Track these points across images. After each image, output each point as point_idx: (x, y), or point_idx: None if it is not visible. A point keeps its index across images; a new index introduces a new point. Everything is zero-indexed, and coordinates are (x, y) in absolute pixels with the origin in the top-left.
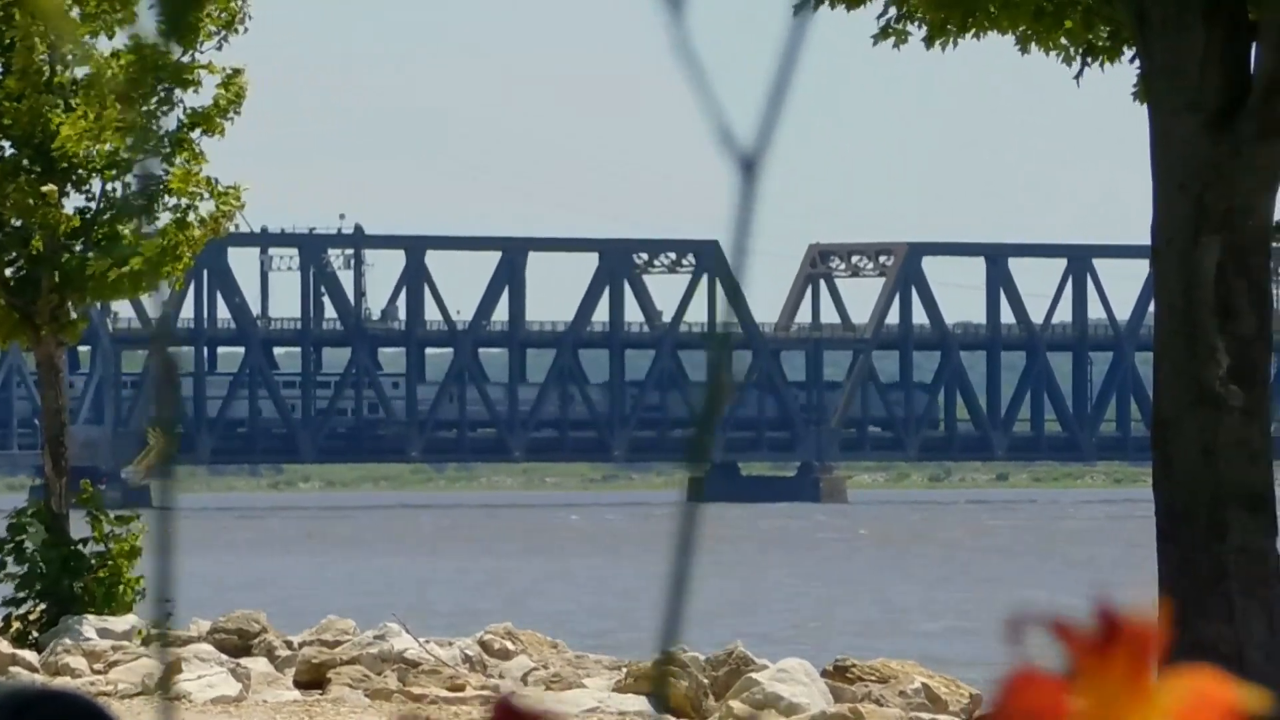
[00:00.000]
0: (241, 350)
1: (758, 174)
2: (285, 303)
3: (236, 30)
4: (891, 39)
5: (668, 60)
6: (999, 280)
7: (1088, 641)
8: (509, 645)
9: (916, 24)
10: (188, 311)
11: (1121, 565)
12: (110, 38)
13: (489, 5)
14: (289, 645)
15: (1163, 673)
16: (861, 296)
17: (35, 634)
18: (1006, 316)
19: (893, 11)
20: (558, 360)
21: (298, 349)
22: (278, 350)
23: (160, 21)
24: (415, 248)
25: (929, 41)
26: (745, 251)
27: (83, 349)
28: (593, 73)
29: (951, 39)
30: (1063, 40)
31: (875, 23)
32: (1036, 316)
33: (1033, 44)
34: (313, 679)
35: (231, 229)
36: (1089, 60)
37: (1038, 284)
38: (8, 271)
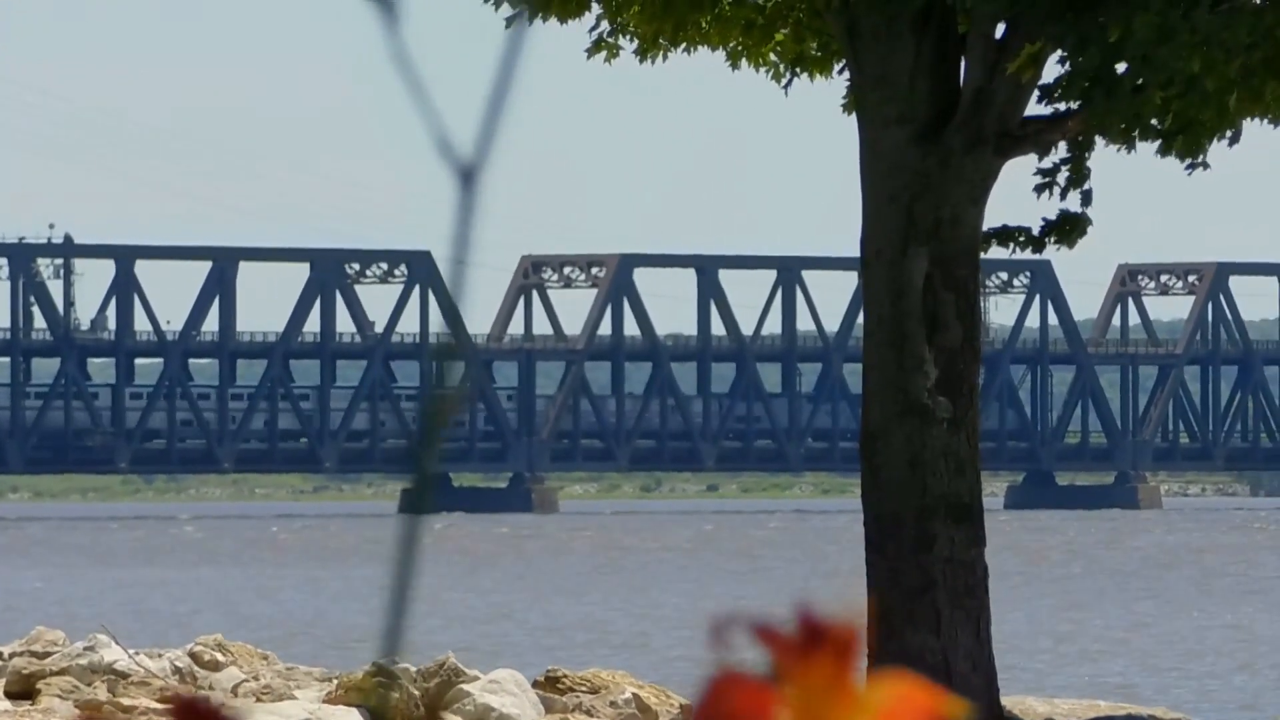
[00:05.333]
0: None
1: (477, 184)
2: None
3: None
4: (604, 53)
5: (382, 68)
6: (709, 291)
7: (790, 645)
8: (219, 657)
9: (628, 38)
10: None
11: (831, 575)
12: None
13: (204, 11)
14: None
15: (868, 678)
16: (573, 308)
17: None
18: (717, 328)
19: (605, 25)
20: (268, 370)
21: (6, 359)
22: None
23: None
24: (125, 257)
25: (640, 55)
26: (467, 261)
27: None
28: (304, 80)
29: (663, 53)
30: (772, 57)
31: (588, 36)
32: (746, 328)
33: (743, 60)
34: (23, 690)
35: None
36: (799, 72)
37: (747, 295)
38: None
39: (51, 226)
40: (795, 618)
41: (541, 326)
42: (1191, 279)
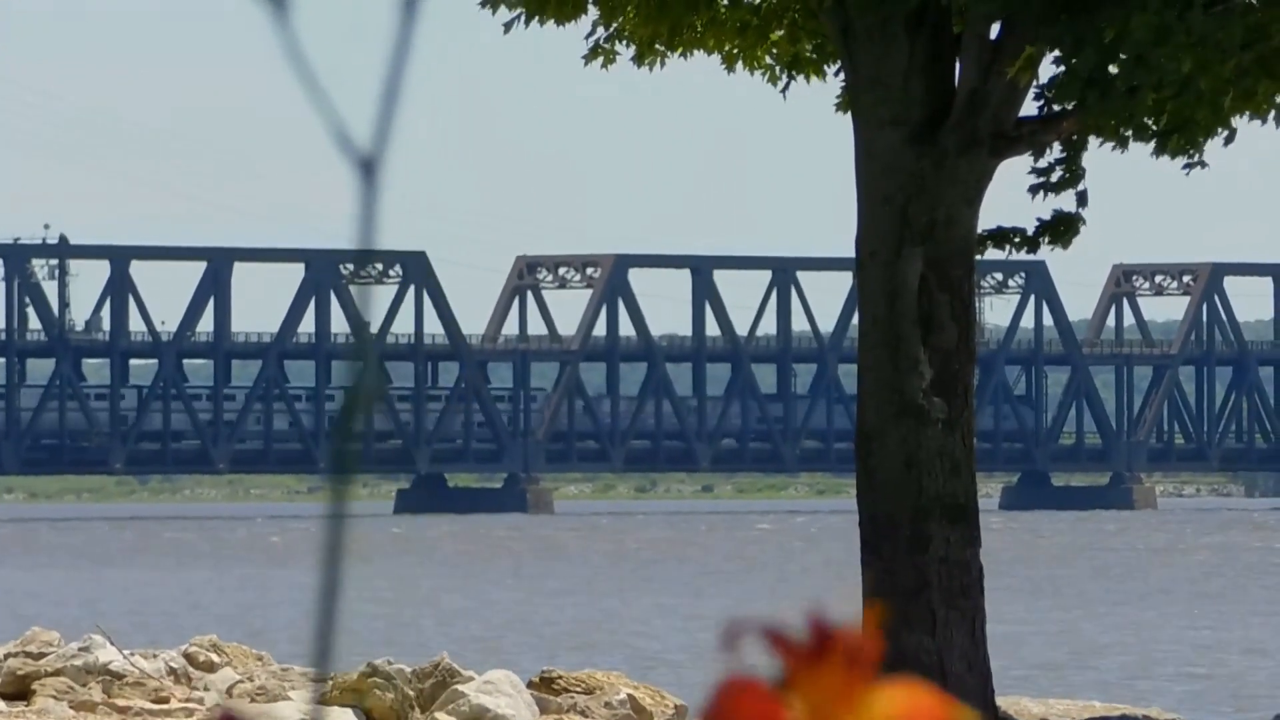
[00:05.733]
0: None
1: (377, 174)
2: None
3: None
4: (601, 58)
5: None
6: (704, 292)
7: (801, 651)
8: (214, 657)
9: (625, 43)
10: None
11: (827, 576)
12: None
13: (201, 11)
14: None
15: (875, 683)
16: (568, 308)
17: None
18: (712, 328)
19: (601, 31)
20: (263, 371)
21: (1, 360)
22: None
23: None
24: (119, 258)
25: (638, 61)
26: (370, 252)
27: None
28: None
29: (660, 58)
30: (767, 60)
31: (585, 42)
32: (741, 328)
33: (738, 63)
34: (18, 690)
35: None
36: (794, 74)
37: (742, 296)
38: None
39: (46, 227)
40: (808, 625)
41: (536, 327)
42: (1186, 279)
